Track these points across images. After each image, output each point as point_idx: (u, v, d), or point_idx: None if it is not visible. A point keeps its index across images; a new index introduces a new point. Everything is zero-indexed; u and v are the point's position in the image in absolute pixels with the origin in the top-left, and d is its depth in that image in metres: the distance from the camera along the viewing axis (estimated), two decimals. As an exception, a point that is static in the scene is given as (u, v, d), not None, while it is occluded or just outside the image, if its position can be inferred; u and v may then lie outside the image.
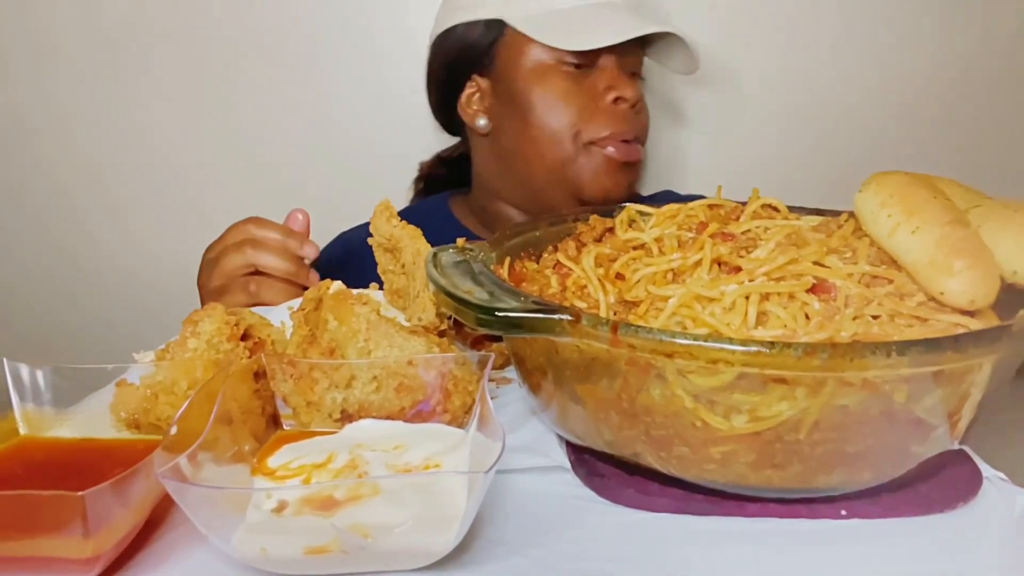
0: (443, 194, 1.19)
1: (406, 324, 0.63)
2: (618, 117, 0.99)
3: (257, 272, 0.86)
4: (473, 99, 1.06)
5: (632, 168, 1.02)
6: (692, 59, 1.03)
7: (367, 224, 1.09)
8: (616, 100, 0.98)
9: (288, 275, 0.86)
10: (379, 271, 0.71)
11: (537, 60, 1.00)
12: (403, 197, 1.21)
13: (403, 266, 0.68)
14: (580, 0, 0.98)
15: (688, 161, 1.28)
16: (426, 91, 1.12)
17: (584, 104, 0.98)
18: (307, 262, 0.88)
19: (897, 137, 1.27)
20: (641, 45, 1.03)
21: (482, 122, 1.06)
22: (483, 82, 1.04)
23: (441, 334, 0.64)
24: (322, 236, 1.14)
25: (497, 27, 1.01)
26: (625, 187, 1.01)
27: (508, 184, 1.07)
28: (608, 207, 0.71)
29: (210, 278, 0.88)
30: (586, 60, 0.99)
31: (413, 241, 0.66)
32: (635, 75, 1.03)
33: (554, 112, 0.99)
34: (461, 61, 1.05)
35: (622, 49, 0.98)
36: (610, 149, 0.98)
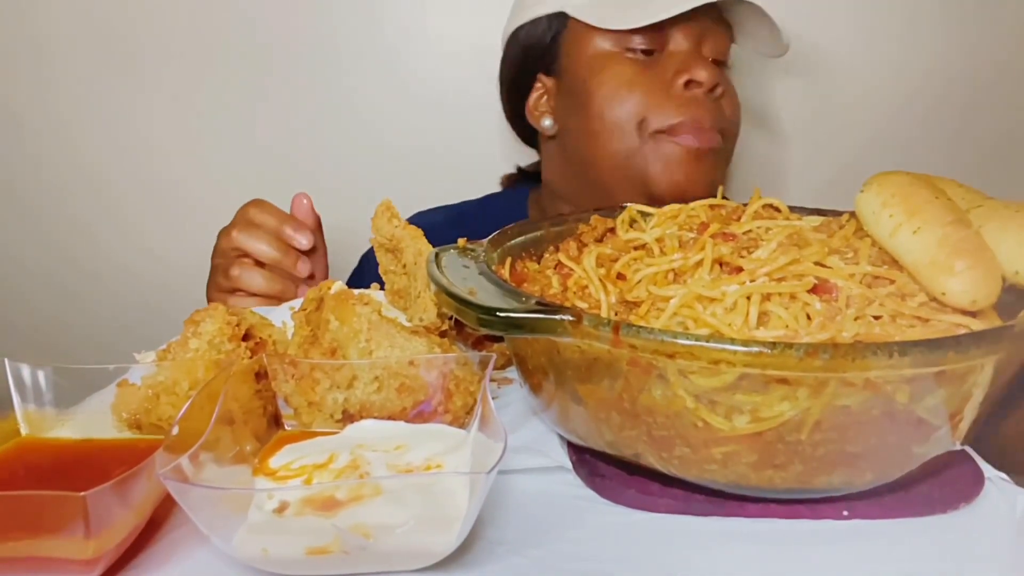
0: (522, 188, 1.13)
1: (407, 324, 0.63)
2: (691, 103, 0.88)
3: (246, 255, 0.86)
4: (540, 101, 1.00)
5: (708, 158, 0.90)
6: (778, 37, 0.92)
7: (444, 209, 1.09)
8: (688, 84, 0.88)
9: (274, 262, 0.85)
10: (380, 271, 0.71)
11: (599, 49, 0.92)
12: (415, 194, 1.20)
13: (404, 266, 0.68)
14: None
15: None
16: (500, 101, 1.08)
17: (651, 91, 0.89)
18: (301, 250, 0.86)
19: (898, 137, 1.27)
20: (722, 27, 0.93)
21: (547, 123, 0.99)
22: (548, 81, 0.99)
23: (442, 334, 0.64)
24: (331, 234, 1.14)
25: (559, 21, 0.95)
26: (702, 182, 0.90)
27: (576, 188, 1.01)
28: (595, 210, 0.69)
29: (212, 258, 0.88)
30: (654, 44, 0.90)
31: (414, 241, 0.66)
32: (717, 62, 0.93)
33: (616, 101, 0.90)
34: (527, 62, 1.00)
35: (697, 30, 0.90)
36: (682, 137, 0.88)
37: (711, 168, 0.91)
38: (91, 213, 1.31)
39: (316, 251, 0.89)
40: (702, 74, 0.87)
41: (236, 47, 1.23)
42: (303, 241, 0.85)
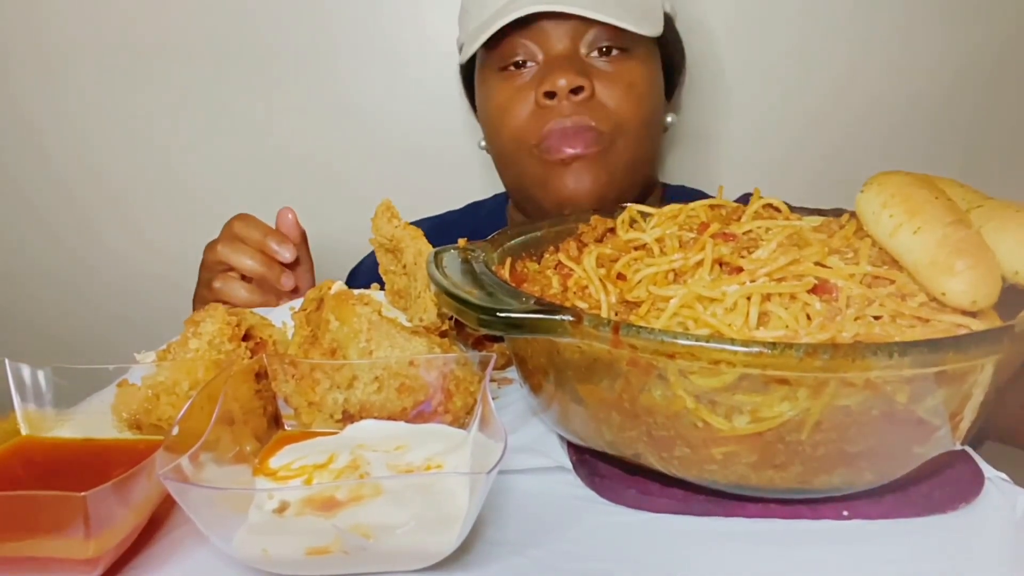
0: (503, 194, 1.14)
1: (407, 324, 0.63)
2: (550, 113, 0.86)
3: (231, 269, 0.86)
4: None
5: (584, 164, 0.87)
6: (645, 23, 0.88)
7: (428, 220, 1.10)
8: (548, 95, 0.86)
9: (258, 276, 0.85)
10: (380, 271, 0.72)
11: (484, 73, 0.93)
12: (415, 195, 1.20)
13: (404, 266, 0.68)
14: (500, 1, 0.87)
15: (688, 161, 1.28)
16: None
17: (519, 109, 0.89)
18: (284, 263, 0.87)
19: (898, 137, 1.27)
20: (589, 20, 0.87)
21: (482, 143, 1.01)
22: None
23: (442, 335, 0.64)
24: (327, 236, 1.14)
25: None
26: (586, 187, 0.88)
27: (515, 199, 1.03)
28: (594, 211, 0.69)
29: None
30: (523, 55, 0.89)
31: (414, 241, 0.66)
32: (609, 49, 0.88)
33: (495, 124, 0.92)
34: (467, 84, 1.04)
35: (566, 29, 0.86)
36: (551, 152, 0.87)
37: (592, 173, 0.88)
38: (92, 213, 1.31)
39: (300, 264, 0.90)
40: (558, 82, 0.84)
41: (237, 48, 1.23)
42: (286, 255, 0.86)
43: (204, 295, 0.87)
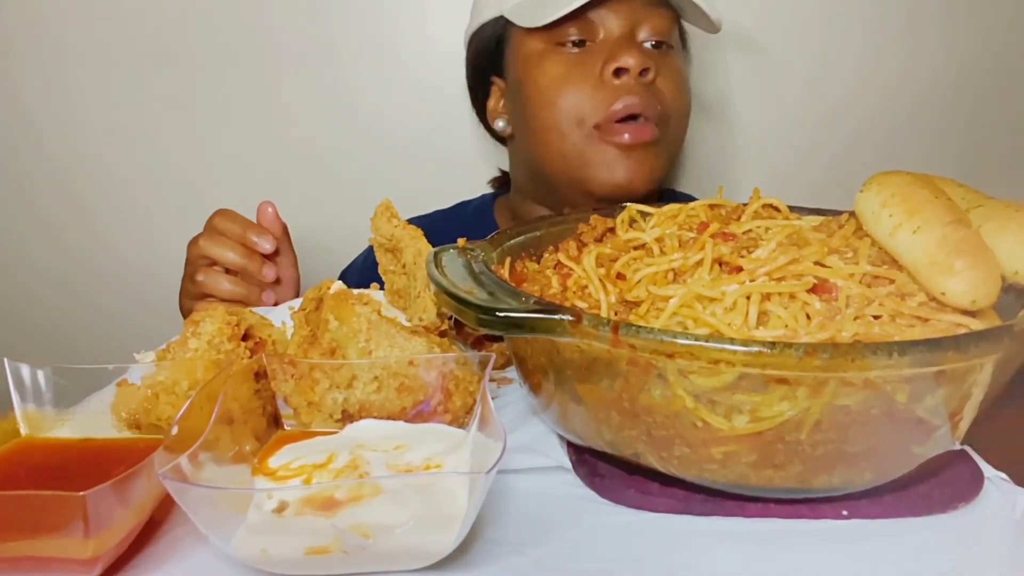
0: (491, 194, 1.15)
1: (407, 324, 0.63)
2: (621, 91, 0.86)
3: (214, 263, 0.88)
4: (496, 104, 1.02)
5: (645, 152, 0.88)
6: (705, 15, 0.90)
7: (416, 220, 1.09)
8: (617, 72, 0.86)
9: (239, 267, 0.87)
10: (380, 271, 0.71)
11: (533, 47, 0.92)
12: (413, 194, 1.20)
13: (404, 266, 0.68)
14: None
15: (688, 161, 1.28)
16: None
17: (582, 84, 0.88)
18: (264, 254, 0.88)
19: (898, 137, 1.27)
20: (657, 7, 0.90)
21: (501, 124, 1.01)
22: (501, 83, 1.01)
23: (442, 334, 0.64)
24: (327, 234, 1.14)
25: (501, 23, 0.95)
26: (642, 176, 0.88)
27: (536, 189, 1.02)
28: (621, 203, 0.69)
29: None
30: (584, 34, 0.89)
31: (414, 241, 0.66)
32: (659, 44, 0.90)
33: (549, 99, 0.90)
34: (481, 65, 1.02)
35: (628, 14, 0.88)
36: (617, 136, 0.86)
37: (650, 161, 0.89)
38: (91, 212, 1.31)
39: (282, 256, 0.91)
40: (628, 60, 0.85)
41: (238, 47, 1.23)
42: (266, 245, 0.87)
43: (188, 288, 0.89)
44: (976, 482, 0.51)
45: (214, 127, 1.27)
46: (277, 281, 0.90)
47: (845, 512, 0.49)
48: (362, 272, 1.07)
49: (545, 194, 1.00)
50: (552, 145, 0.91)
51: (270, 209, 0.90)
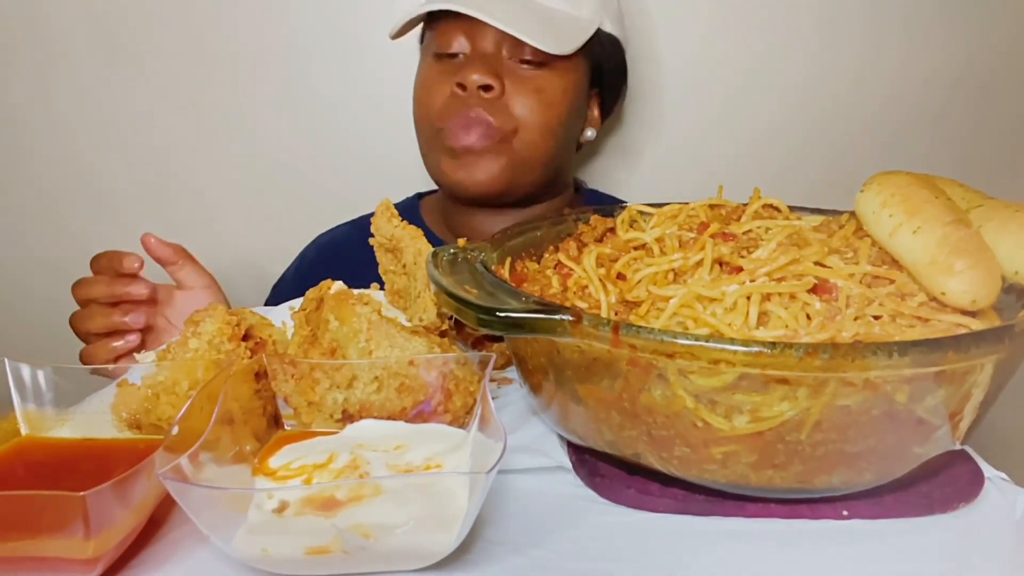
0: (415, 195, 1.16)
1: (407, 324, 0.63)
2: (456, 103, 0.93)
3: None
4: None
5: (479, 157, 0.93)
6: (552, 41, 0.91)
7: (350, 224, 1.11)
8: (460, 86, 0.92)
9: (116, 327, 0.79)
10: (380, 271, 0.71)
11: (423, 52, 1.00)
12: (409, 193, 1.20)
13: (404, 266, 0.68)
14: None
15: (687, 161, 1.28)
16: None
17: (436, 93, 0.95)
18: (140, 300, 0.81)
19: (898, 137, 1.27)
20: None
21: None
22: None
23: (442, 334, 0.64)
24: (309, 236, 1.14)
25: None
26: (477, 181, 0.94)
27: None
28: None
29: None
30: (453, 48, 0.95)
31: (414, 241, 0.66)
32: (523, 61, 0.93)
33: (416, 103, 0.98)
34: None
35: (494, 32, 0.92)
36: (449, 138, 0.93)
37: (483, 166, 0.94)
38: (92, 213, 1.31)
39: (185, 271, 0.86)
40: (470, 77, 0.91)
41: (231, 47, 1.23)
42: (141, 290, 0.80)
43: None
44: (976, 482, 0.51)
45: (207, 129, 1.27)
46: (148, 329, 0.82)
47: (845, 512, 0.49)
48: (294, 283, 1.07)
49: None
50: (420, 145, 1.00)
51: (152, 240, 0.84)
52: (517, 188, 0.97)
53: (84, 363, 0.78)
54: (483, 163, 0.94)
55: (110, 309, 0.79)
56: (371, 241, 0.70)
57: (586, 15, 0.97)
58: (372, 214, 1.09)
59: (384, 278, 0.71)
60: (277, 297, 1.09)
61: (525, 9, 0.92)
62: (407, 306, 0.68)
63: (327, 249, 1.10)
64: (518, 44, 0.92)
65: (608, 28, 1.00)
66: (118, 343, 0.78)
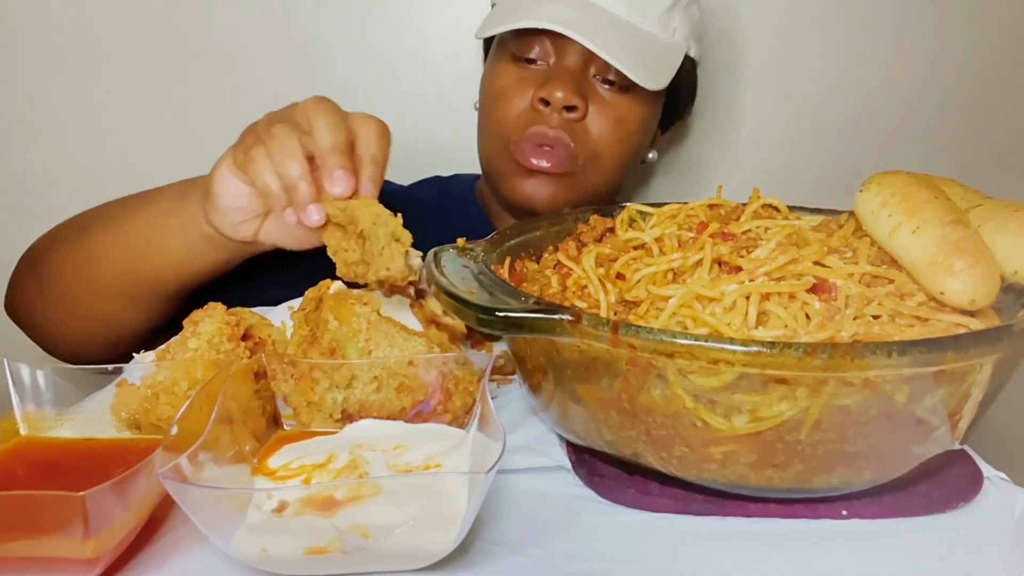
0: (475, 174, 1.11)
1: (380, 297, 0.61)
2: (536, 120, 0.88)
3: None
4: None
5: (549, 180, 0.90)
6: (647, 74, 0.87)
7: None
8: (543, 101, 0.87)
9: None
10: (329, 253, 0.65)
11: (496, 53, 0.95)
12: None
13: (361, 232, 0.64)
14: None
15: (687, 160, 1.28)
16: None
17: (516, 100, 0.90)
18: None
19: (897, 137, 1.27)
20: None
21: (477, 104, 1.01)
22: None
23: (419, 293, 0.61)
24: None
25: None
26: (542, 202, 0.90)
27: (483, 172, 1.03)
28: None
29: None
30: (539, 55, 0.90)
31: (369, 207, 0.63)
32: (612, 83, 0.89)
33: (490, 104, 0.94)
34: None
35: (576, 46, 0.86)
36: (522, 155, 0.89)
37: (551, 189, 0.90)
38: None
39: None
40: (555, 94, 0.86)
41: (229, 47, 1.23)
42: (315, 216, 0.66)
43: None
44: (976, 482, 0.51)
45: (205, 128, 1.26)
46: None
47: (845, 512, 0.49)
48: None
49: (488, 183, 1.02)
50: (483, 145, 0.96)
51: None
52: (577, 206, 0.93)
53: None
54: (553, 186, 0.91)
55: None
56: (317, 227, 0.64)
57: (677, 40, 0.92)
58: (434, 179, 1.06)
59: (335, 259, 0.65)
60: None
61: (621, 32, 0.87)
62: (368, 269, 0.63)
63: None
64: (606, 65, 0.87)
65: (692, 53, 0.97)
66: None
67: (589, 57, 0.88)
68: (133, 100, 1.26)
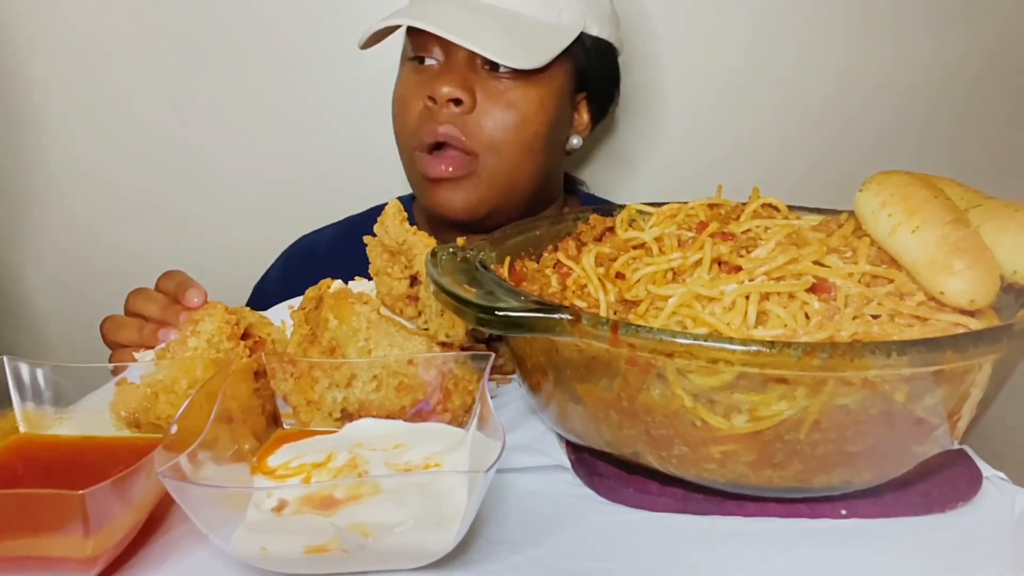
0: (410, 195, 1.10)
1: (409, 325, 0.62)
2: (428, 121, 0.87)
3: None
4: None
5: (455, 185, 0.89)
6: (522, 56, 0.86)
7: (338, 224, 1.09)
8: (429, 99, 0.87)
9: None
10: (371, 271, 0.68)
11: (402, 55, 0.95)
12: (387, 196, 1.19)
13: (414, 273, 0.65)
14: None
15: (687, 161, 1.28)
16: None
17: (411, 105, 0.90)
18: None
19: (897, 137, 1.27)
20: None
21: None
22: None
23: (465, 350, 0.61)
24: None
25: None
26: (456, 208, 0.90)
27: None
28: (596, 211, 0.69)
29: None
30: (427, 52, 0.89)
31: (428, 249, 0.61)
32: (495, 69, 0.88)
33: (395, 113, 0.93)
34: None
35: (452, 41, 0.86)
36: (424, 165, 0.88)
37: (461, 194, 0.90)
38: (89, 212, 1.31)
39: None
40: (440, 89, 0.86)
41: (224, 48, 1.23)
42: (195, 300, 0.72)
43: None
44: (975, 481, 0.51)
45: (206, 129, 1.27)
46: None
47: (844, 511, 0.49)
48: (281, 284, 1.03)
49: None
50: (401, 152, 0.95)
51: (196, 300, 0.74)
52: (501, 210, 0.92)
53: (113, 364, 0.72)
54: (461, 191, 0.89)
55: (144, 325, 0.73)
56: (368, 240, 0.68)
57: (566, 20, 0.91)
58: (360, 215, 1.08)
59: (376, 279, 0.68)
60: (260, 296, 1.07)
61: (492, 20, 0.86)
62: (428, 319, 0.63)
63: (316, 250, 1.08)
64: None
65: (594, 32, 0.94)
66: (136, 354, 0.70)
67: (457, 46, 0.87)
68: (140, 100, 1.26)
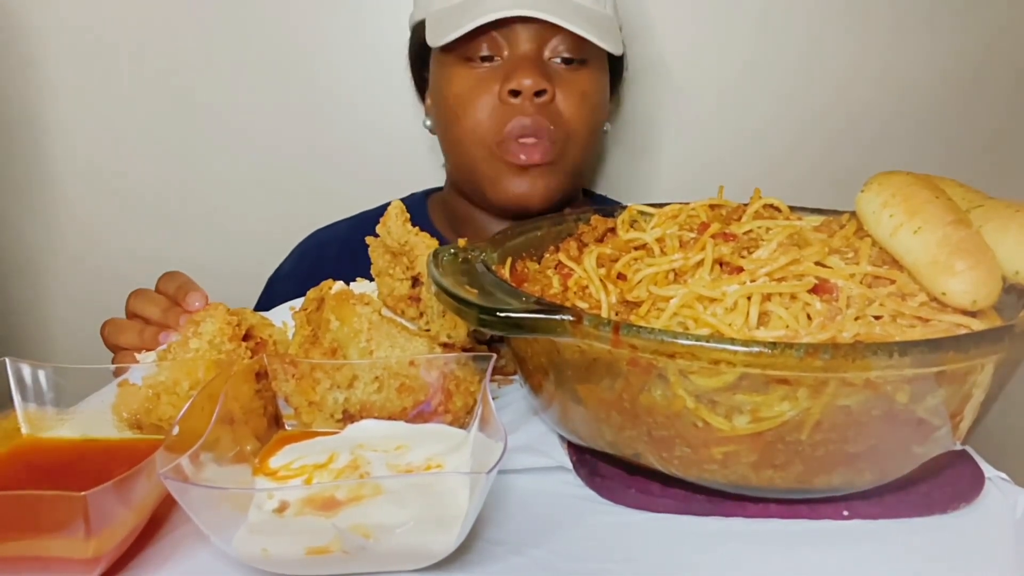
0: (424, 191, 1.14)
1: (411, 327, 0.62)
2: (515, 111, 0.88)
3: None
4: (429, 100, 1.03)
5: (541, 171, 0.91)
6: (609, 40, 0.90)
7: (351, 220, 1.09)
8: (512, 92, 0.87)
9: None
10: (373, 272, 0.68)
11: (445, 61, 0.94)
12: (396, 193, 1.20)
13: (416, 274, 0.65)
14: None
15: (688, 161, 1.28)
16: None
17: (482, 102, 0.90)
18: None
19: (898, 137, 1.27)
20: (554, 26, 0.88)
21: (428, 123, 1.03)
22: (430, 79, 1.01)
23: (465, 349, 0.61)
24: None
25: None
26: (538, 196, 0.91)
27: (461, 186, 1.02)
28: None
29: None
30: (489, 50, 0.90)
31: (430, 250, 0.61)
32: (569, 60, 0.91)
33: (457, 115, 0.92)
34: (416, 60, 1.03)
35: (534, 31, 0.88)
36: (511, 155, 0.89)
37: (545, 180, 0.91)
38: (91, 212, 1.31)
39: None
40: (523, 81, 0.86)
41: (232, 46, 1.23)
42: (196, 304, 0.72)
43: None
44: (977, 482, 0.51)
45: (208, 128, 1.27)
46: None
47: (846, 512, 0.49)
48: (294, 279, 1.03)
49: (470, 192, 1.01)
50: (459, 157, 0.95)
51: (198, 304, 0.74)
52: (566, 197, 0.95)
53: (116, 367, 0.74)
54: (545, 177, 0.91)
55: (144, 328, 0.72)
56: (370, 240, 0.68)
57: (609, 11, 0.95)
58: (373, 211, 1.08)
59: (377, 280, 0.68)
60: (272, 292, 1.07)
61: (574, 11, 0.88)
62: (429, 320, 0.64)
63: (329, 245, 1.08)
64: (560, 45, 0.90)
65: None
66: (138, 355, 0.70)
67: (541, 41, 0.90)
68: (144, 98, 1.26)
